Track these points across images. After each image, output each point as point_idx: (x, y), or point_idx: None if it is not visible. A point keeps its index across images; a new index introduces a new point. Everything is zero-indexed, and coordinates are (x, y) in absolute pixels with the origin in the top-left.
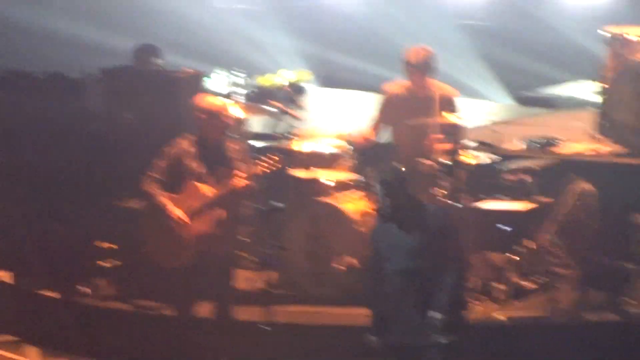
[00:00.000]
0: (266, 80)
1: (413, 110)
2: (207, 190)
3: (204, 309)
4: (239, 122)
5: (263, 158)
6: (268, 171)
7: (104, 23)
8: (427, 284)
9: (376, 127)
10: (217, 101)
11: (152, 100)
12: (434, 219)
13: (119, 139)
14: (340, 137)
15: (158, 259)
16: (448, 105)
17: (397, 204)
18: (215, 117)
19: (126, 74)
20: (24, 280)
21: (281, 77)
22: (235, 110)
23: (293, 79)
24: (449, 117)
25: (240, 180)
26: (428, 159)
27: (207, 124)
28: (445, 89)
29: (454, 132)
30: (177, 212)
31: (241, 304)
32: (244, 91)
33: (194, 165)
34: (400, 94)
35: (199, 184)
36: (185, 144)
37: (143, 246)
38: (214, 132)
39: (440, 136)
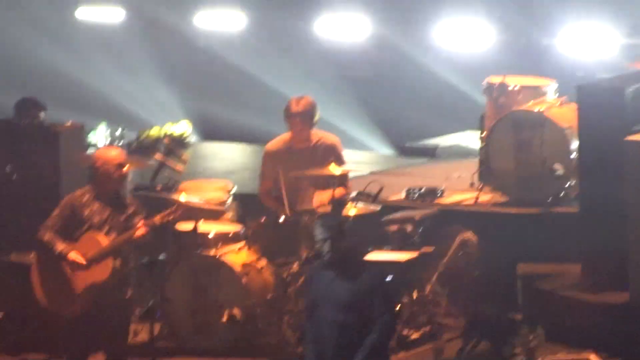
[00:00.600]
0: (150, 132)
1: (295, 161)
2: (103, 239)
3: None
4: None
5: (160, 209)
6: (164, 222)
7: None
8: (353, 336)
9: (266, 182)
10: (115, 152)
11: (32, 153)
12: (369, 274)
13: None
14: (223, 189)
15: (51, 308)
16: (331, 154)
17: (337, 252)
18: (114, 168)
19: (6, 127)
20: None
21: (164, 130)
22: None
23: (175, 132)
24: (333, 167)
25: (135, 231)
26: (315, 210)
27: (105, 175)
28: (328, 137)
29: (338, 182)
30: (74, 255)
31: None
32: (126, 143)
33: (90, 215)
34: (282, 147)
35: (95, 233)
36: (81, 194)
37: (36, 296)
38: (112, 183)
39: (325, 187)
